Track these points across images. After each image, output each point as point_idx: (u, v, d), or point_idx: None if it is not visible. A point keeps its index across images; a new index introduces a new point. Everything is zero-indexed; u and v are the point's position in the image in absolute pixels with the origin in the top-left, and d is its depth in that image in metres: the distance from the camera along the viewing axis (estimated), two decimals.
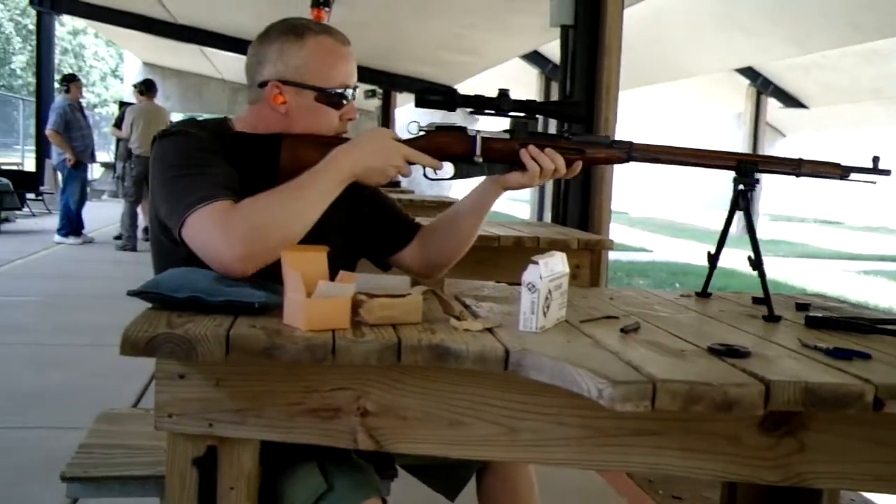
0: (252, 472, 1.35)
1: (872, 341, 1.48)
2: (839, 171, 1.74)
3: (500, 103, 1.66)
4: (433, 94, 1.65)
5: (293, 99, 1.68)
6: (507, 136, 1.68)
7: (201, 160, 1.58)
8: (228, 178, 1.57)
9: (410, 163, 1.64)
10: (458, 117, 1.76)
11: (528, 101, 1.68)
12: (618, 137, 1.80)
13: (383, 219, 1.89)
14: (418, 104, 1.66)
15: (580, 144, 1.70)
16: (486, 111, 1.67)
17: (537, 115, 1.69)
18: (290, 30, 1.69)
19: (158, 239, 1.64)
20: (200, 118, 1.80)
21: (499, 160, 1.68)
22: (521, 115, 1.68)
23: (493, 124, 1.72)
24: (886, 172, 1.74)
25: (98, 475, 1.68)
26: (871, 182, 1.76)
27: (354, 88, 1.74)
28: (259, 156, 1.64)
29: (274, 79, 1.68)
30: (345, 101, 1.72)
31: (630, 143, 1.72)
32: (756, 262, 1.70)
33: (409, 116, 1.71)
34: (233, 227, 1.47)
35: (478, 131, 1.67)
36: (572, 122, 1.74)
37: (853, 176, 1.75)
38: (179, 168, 1.56)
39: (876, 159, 1.74)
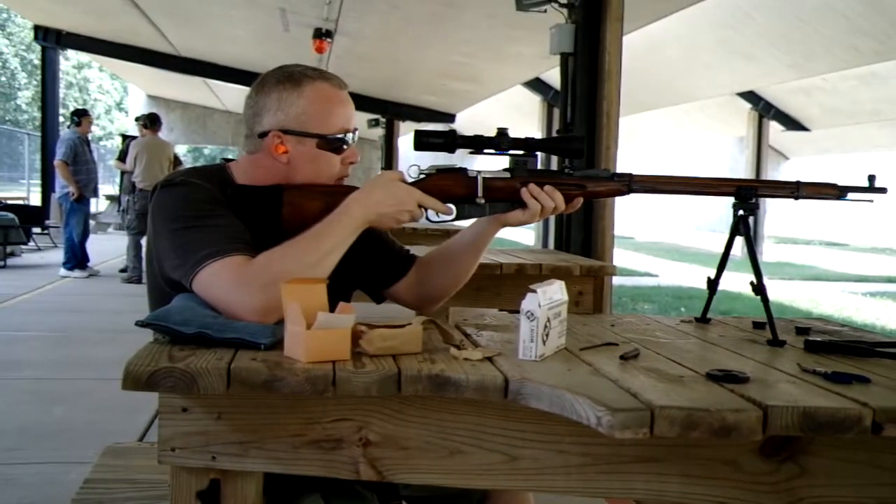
0: None
1: (872, 365, 1.48)
2: (837, 192, 1.76)
3: (499, 142, 1.68)
4: (433, 137, 1.67)
5: (294, 148, 1.69)
6: (507, 175, 1.69)
7: (208, 212, 1.58)
8: (239, 231, 1.58)
9: (420, 207, 1.65)
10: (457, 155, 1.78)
11: (527, 138, 1.70)
12: (621, 168, 1.81)
13: (378, 251, 1.89)
14: (418, 147, 1.68)
15: (581, 180, 1.72)
16: (486, 151, 1.68)
17: (536, 153, 1.71)
18: (286, 78, 1.70)
19: (160, 285, 1.63)
20: (199, 165, 1.80)
21: (500, 199, 1.70)
22: (521, 152, 1.69)
23: (493, 162, 1.74)
24: (883, 190, 1.75)
25: None
26: (869, 200, 1.77)
27: (354, 131, 1.75)
28: (261, 208, 1.64)
29: (275, 129, 1.68)
30: (346, 146, 1.73)
31: (630, 176, 1.73)
32: (758, 287, 1.71)
33: (412, 146, 1.71)
34: (249, 281, 1.47)
35: (479, 172, 1.68)
36: (572, 157, 1.76)
37: (851, 195, 1.76)
38: (186, 220, 1.56)
39: (872, 178, 1.76)
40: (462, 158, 1.75)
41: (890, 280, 14.99)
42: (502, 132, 1.68)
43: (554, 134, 10.99)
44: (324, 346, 1.31)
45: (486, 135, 1.69)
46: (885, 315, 10.10)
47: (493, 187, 1.69)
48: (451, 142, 1.67)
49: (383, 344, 1.38)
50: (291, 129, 1.68)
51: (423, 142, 1.68)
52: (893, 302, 11.55)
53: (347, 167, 1.76)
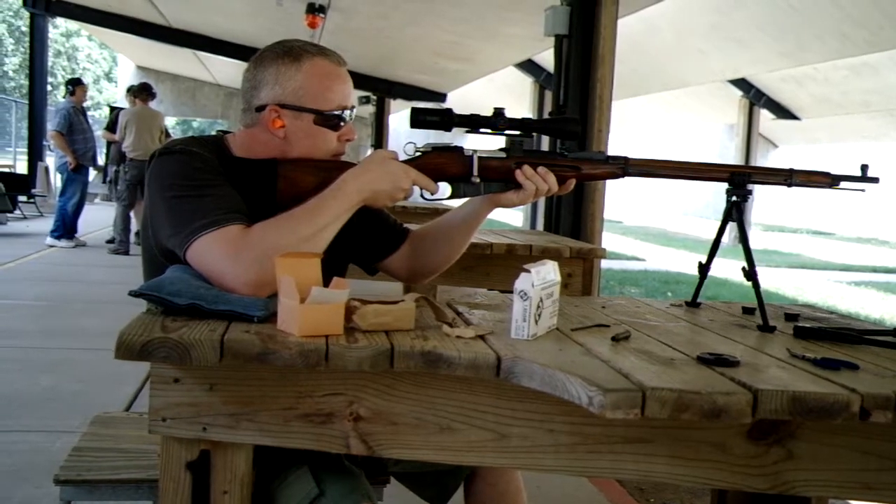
0: (245, 477, 1.36)
1: (860, 352, 1.50)
2: (829, 180, 1.77)
3: (495, 122, 1.68)
4: (430, 115, 1.67)
5: (291, 122, 1.68)
6: (502, 154, 1.69)
7: (206, 181, 1.57)
8: (235, 201, 1.57)
9: (416, 185, 1.66)
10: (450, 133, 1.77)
11: (523, 119, 1.70)
12: (612, 152, 1.81)
13: (373, 224, 1.89)
14: (414, 125, 1.67)
15: (576, 161, 1.72)
16: (482, 130, 1.68)
17: (532, 133, 1.71)
18: (285, 53, 1.69)
19: (154, 255, 1.62)
20: (198, 136, 1.80)
21: (495, 179, 1.70)
22: (517, 133, 1.69)
23: (487, 141, 1.74)
24: (875, 180, 1.77)
25: (91, 478, 1.68)
26: (860, 190, 1.78)
27: (352, 109, 1.75)
28: (256, 181, 1.64)
29: (272, 103, 1.67)
30: (343, 123, 1.73)
31: (626, 159, 1.74)
32: (750, 273, 1.72)
33: (402, 123, 1.71)
34: (243, 253, 1.46)
35: (474, 151, 1.68)
36: (567, 139, 1.76)
37: (843, 184, 1.77)
38: (183, 188, 1.55)
39: (864, 167, 1.77)
40: (454, 137, 1.75)
41: (874, 270, 15.09)
42: (499, 112, 1.68)
43: (546, 116, 10.97)
44: (317, 321, 1.32)
45: (483, 114, 1.69)
46: (868, 304, 10.17)
47: (488, 167, 1.69)
48: (447, 120, 1.66)
49: (376, 320, 1.39)
50: (289, 104, 1.67)
51: (420, 119, 1.67)
52: (877, 291, 11.63)
53: (344, 144, 1.75)
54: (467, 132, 1.70)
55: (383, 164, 1.63)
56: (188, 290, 1.40)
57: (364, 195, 1.61)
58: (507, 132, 1.69)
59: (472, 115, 1.68)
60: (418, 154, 1.68)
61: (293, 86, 1.67)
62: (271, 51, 1.71)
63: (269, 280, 1.42)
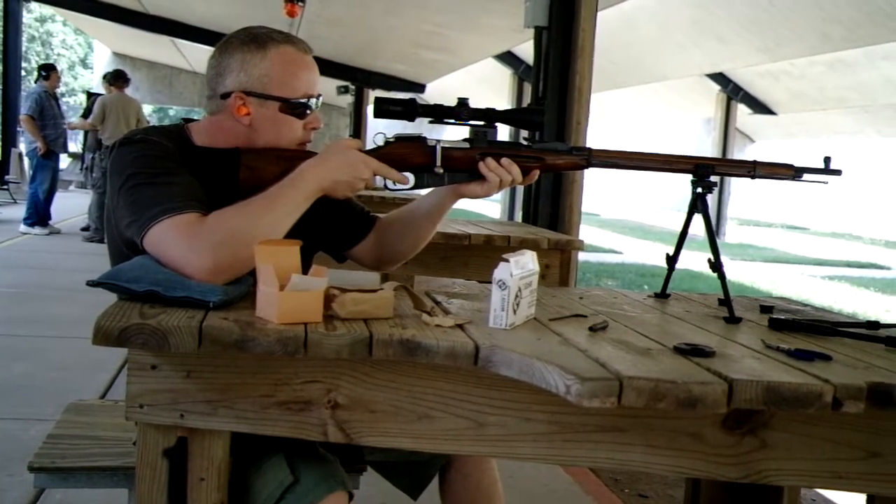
0: (222, 464, 1.36)
1: (833, 343, 1.51)
2: (792, 172, 1.78)
3: (459, 112, 1.67)
4: (393, 105, 1.66)
5: (256, 110, 1.67)
6: (466, 145, 1.69)
7: (164, 169, 1.56)
8: (193, 189, 1.56)
9: (377, 175, 1.65)
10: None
11: (487, 109, 1.69)
12: (589, 144, 1.81)
13: (341, 212, 1.88)
14: (377, 115, 1.67)
15: (540, 152, 1.72)
16: (446, 120, 1.68)
17: (496, 124, 1.70)
18: (251, 40, 1.68)
19: (118, 246, 1.61)
20: (159, 125, 1.79)
21: (459, 169, 1.70)
22: (481, 123, 1.69)
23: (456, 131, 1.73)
24: (837, 172, 1.78)
25: (66, 466, 1.67)
26: (823, 182, 1.80)
27: (318, 97, 1.74)
28: (218, 170, 1.63)
29: (237, 90, 1.66)
30: (308, 111, 1.72)
31: (589, 150, 1.74)
32: (716, 265, 1.73)
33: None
34: (200, 240, 1.45)
35: (438, 141, 1.68)
36: (531, 129, 1.76)
37: (806, 176, 1.79)
38: (141, 176, 1.54)
39: (827, 160, 1.78)
40: (432, 129, 1.74)
41: (848, 264, 15.25)
42: (462, 102, 1.68)
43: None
44: (296, 308, 1.31)
45: (447, 104, 1.69)
46: (841, 298, 10.29)
47: (451, 157, 1.68)
48: (411, 110, 1.66)
49: (355, 308, 1.39)
50: (254, 91, 1.66)
51: (384, 109, 1.66)
52: (850, 286, 11.76)
53: (309, 133, 1.74)
54: (430, 122, 1.70)
55: (343, 154, 1.63)
56: (146, 277, 1.39)
57: (323, 185, 1.60)
58: (472, 122, 1.69)
59: (436, 105, 1.67)
60: (382, 144, 1.68)
61: (259, 73, 1.66)
62: (237, 37, 1.69)
63: (225, 267, 1.43)
